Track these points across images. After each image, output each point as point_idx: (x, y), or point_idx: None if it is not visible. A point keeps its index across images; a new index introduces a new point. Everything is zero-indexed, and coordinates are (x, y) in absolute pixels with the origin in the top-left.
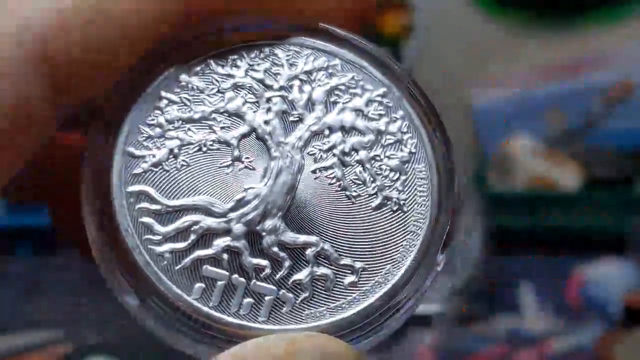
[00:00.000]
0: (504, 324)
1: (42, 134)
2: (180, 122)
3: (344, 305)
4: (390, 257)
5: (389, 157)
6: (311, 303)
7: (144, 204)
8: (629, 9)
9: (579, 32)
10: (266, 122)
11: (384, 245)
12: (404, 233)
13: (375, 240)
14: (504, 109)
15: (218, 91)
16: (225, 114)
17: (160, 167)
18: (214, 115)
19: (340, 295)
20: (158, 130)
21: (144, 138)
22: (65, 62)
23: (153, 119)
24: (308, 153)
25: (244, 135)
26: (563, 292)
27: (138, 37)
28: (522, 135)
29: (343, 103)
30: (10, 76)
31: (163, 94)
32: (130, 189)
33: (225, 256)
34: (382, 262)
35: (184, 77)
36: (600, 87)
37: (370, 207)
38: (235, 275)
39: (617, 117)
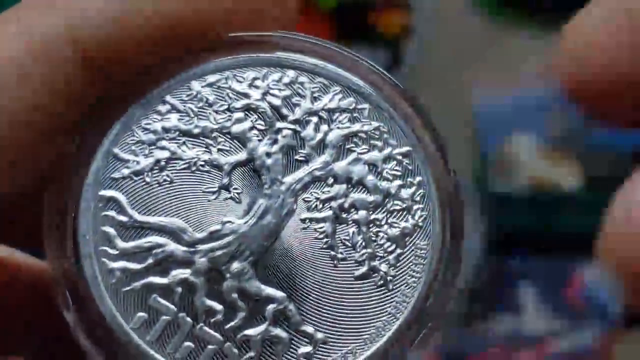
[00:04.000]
0: (504, 324)
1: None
2: (177, 133)
3: None
4: (358, 335)
5: (390, 225)
6: None
7: (111, 212)
8: None
9: None
10: (268, 155)
11: (355, 320)
12: (381, 313)
13: (346, 313)
14: (504, 109)
15: (228, 109)
16: (228, 136)
17: (141, 177)
18: (215, 134)
19: None
20: (151, 136)
21: (134, 142)
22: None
23: (149, 123)
24: (303, 199)
25: (240, 164)
26: (563, 292)
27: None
28: (522, 135)
29: (358, 153)
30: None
31: (168, 98)
32: (103, 192)
33: (179, 289)
34: (346, 339)
35: (195, 85)
36: None
37: (352, 275)
38: (183, 314)
39: None
